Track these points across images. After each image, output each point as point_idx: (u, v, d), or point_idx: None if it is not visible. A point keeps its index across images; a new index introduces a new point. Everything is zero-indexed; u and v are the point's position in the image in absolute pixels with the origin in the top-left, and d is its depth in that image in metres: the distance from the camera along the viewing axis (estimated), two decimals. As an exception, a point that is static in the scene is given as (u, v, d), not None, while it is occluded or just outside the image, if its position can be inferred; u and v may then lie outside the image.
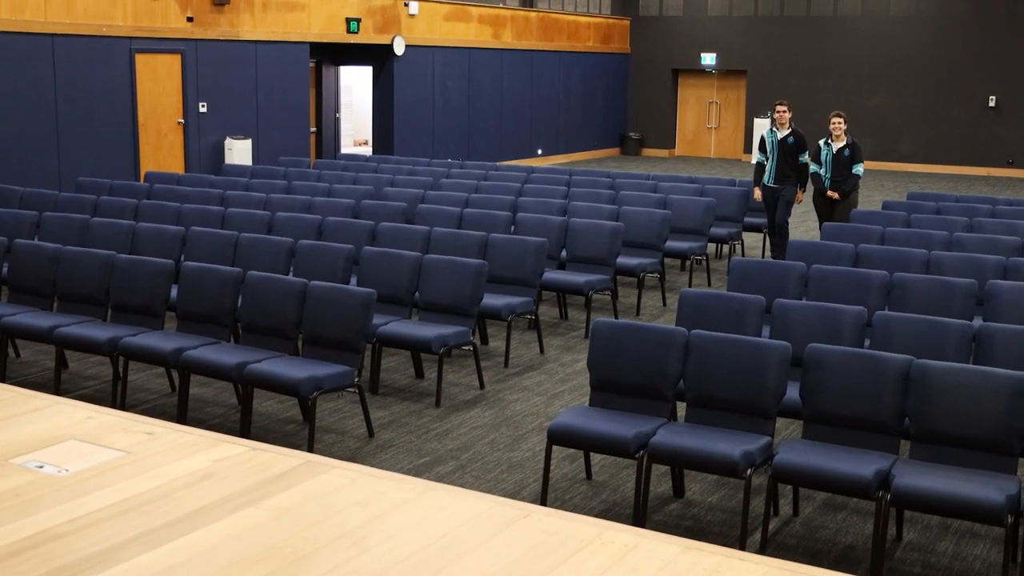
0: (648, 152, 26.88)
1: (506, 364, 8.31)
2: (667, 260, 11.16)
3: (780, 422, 6.44)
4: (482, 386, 7.74)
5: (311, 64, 18.38)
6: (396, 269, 7.89)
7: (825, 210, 11.77)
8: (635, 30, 26.84)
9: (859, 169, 11.65)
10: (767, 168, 12.01)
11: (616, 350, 5.84)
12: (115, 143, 14.70)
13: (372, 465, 6.20)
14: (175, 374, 7.39)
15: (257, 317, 6.99)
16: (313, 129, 18.90)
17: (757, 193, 12.13)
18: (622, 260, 9.76)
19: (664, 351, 5.72)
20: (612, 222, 9.82)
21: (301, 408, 6.99)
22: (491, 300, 8.08)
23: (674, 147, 26.98)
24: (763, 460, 5.28)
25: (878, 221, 10.12)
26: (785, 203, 11.91)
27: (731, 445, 5.18)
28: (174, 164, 15.56)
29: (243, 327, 7.09)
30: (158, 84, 15.23)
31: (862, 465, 4.96)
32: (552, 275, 9.20)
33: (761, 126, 24.11)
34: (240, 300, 7.15)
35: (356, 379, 6.55)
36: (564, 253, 9.72)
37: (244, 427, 6.60)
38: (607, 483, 6.04)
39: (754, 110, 25.14)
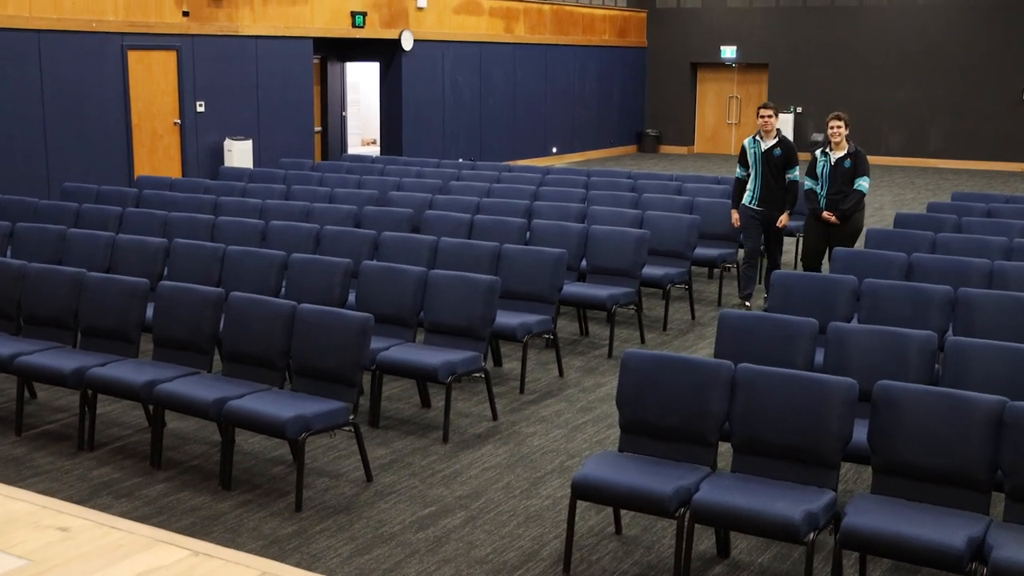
0: (666, 149, 26.02)
1: (522, 390, 7.50)
2: (693, 268, 10.32)
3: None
4: (495, 417, 6.93)
5: (315, 60, 17.58)
6: (399, 286, 7.08)
7: (819, 237, 9.45)
8: (652, 23, 25.95)
9: (863, 184, 9.29)
10: (749, 186, 9.86)
11: (650, 386, 5.02)
12: (107, 145, 13.91)
13: (370, 518, 5.41)
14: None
15: (240, 344, 6.19)
16: (318, 128, 18.11)
17: (735, 216, 9.97)
18: (647, 270, 8.92)
19: (706, 388, 4.91)
20: (636, 229, 8.97)
21: (291, 448, 6.19)
22: (505, 319, 7.27)
23: (693, 144, 26.10)
24: (827, 521, 4.46)
25: (926, 225, 9.26)
26: (778, 238, 9.88)
27: (790, 504, 4.37)
28: (170, 167, 14.77)
29: (225, 355, 6.28)
30: (152, 83, 14.43)
31: (950, 531, 4.14)
32: (571, 288, 8.37)
33: (782, 122, 23.20)
34: (223, 324, 6.36)
35: (351, 416, 5.75)
36: (584, 263, 8.89)
37: (225, 471, 5.82)
38: (640, 539, 5.22)
39: (776, 105, 24.17)
